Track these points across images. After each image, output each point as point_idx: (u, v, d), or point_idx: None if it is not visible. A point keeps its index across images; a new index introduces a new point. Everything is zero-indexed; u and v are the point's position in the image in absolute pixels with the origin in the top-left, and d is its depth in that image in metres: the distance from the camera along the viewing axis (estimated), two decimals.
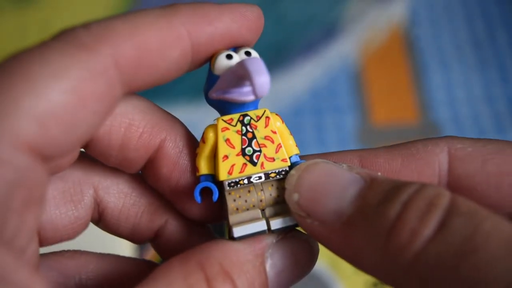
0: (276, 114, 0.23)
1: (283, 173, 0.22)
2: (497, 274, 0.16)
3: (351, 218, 0.19)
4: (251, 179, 0.22)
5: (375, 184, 0.20)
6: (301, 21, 0.64)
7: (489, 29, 0.64)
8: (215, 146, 0.22)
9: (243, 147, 0.22)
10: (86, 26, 0.19)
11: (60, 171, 0.20)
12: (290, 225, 0.22)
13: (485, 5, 0.65)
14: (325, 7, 0.65)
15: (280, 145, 0.22)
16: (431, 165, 0.23)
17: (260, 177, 0.22)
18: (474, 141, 0.23)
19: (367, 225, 0.19)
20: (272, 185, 0.22)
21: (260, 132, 0.22)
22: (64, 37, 0.19)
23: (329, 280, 0.49)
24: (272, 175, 0.22)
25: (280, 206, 0.22)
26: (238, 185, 0.22)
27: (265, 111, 0.23)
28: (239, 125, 0.22)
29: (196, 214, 0.24)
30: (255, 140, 0.22)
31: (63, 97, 0.18)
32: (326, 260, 0.50)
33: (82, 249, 0.25)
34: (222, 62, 0.22)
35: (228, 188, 0.22)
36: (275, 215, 0.22)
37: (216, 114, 0.23)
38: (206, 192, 0.22)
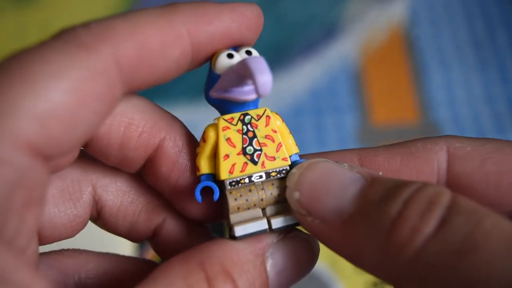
0: (276, 113, 0.23)
1: (283, 172, 0.22)
2: (497, 273, 0.16)
3: (351, 216, 0.19)
4: (252, 178, 0.22)
5: (376, 182, 0.20)
6: (301, 21, 0.64)
7: (489, 29, 0.64)
8: (216, 145, 0.22)
9: (244, 146, 0.22)
10: (86, 25, 0.19)
11: (60, 170, 0.20)
12: (291, 224, 0.22)
13: (485, 5, 0.65)
14: (325, 7, 0.65)
15: (280, 144, 0.22)
16: (430, 164, 0.23)
17: (261, 176, 0.22)
18: (473, 140, 0.23)
19: (368, 223, 0.19)
20: (273, 184, 0.22)
21: (261, 131, 0.22)
22: (64, 36, 0.19)
23: (329, 280, 0.49)
24: (273, 174, 0.22)
25: (281, 205, 0.22)
26: (239, 184, 0.22)
27: (265, 110, 0.23)
28: (240, 124, 0.22)
29: (195, 213, 0.24)
30: (255, 139, 0.22)
31: (63, 96, 0.18)
32: (326, 260, 0.50)
33: (82, 248, 0.25)
34: (223, 61, 0.22)
35: (229, 187, 0.22)
36: (276, 214, 0.22)
37: (216, 113, 0.23)
38: (206, 191, 0.22)
